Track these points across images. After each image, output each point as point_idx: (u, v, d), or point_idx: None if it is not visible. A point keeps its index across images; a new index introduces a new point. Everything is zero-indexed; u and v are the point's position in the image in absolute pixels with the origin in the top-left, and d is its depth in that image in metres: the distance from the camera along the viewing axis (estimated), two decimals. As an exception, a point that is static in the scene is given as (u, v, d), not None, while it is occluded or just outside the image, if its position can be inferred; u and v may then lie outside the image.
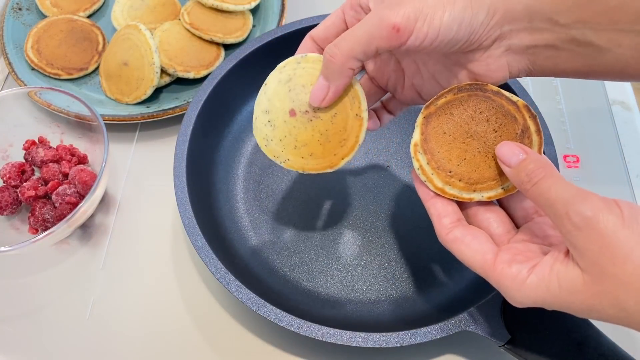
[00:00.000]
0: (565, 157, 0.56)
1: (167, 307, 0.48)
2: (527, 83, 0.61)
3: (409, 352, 0.45)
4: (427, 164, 0.35)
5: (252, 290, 0.41)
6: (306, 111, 0.36)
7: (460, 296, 0.46)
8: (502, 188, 0.34)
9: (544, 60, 0.34)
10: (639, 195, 0.54)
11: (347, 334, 0.39)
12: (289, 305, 0.45)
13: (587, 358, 0.36)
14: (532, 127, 0.34)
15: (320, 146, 0.37)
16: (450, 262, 0.49)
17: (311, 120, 0.36)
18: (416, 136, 0.35)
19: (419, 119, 0.35)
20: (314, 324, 0.40)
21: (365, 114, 0.36)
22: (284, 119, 0.37)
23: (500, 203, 0.36)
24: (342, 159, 0.37)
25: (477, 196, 0.34)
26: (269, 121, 0.37)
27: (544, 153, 0.46)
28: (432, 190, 0.35)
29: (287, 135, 0.37)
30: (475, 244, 0.32)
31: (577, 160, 0.56)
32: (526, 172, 0.31)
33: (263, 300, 0.41)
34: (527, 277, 0.30)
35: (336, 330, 0.40)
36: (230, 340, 0.46)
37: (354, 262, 0.49)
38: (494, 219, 0.35)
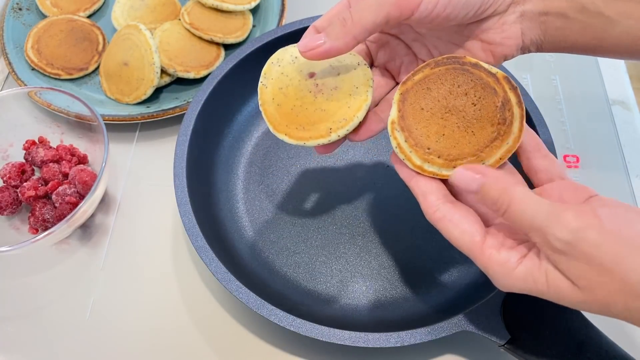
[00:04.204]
0: (565, 157, 0.56)
1: (167, 307, 0.48)
2: (527, 83, 0.61)
3: (409, 352, 0.45)
4: (405, 141, 0.34)
5: (252, 290, 0.41)
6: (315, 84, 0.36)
7: (460, 296, 0.46)
8: (483, 163, 0.33)
9: (555, 31, 0.33)
10: (639, 195, 0.54)
11: (347, 334, 0.39)
12: (289, 305, 0.45)
13: (587, 358, 0.36)
14: (513, 99, 0.33)
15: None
16: (449, 262, 0.49)
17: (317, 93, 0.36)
18: (393, 113, 0.34)
19: (396, 96, 0.35)
20: (314, 324, 0.40)
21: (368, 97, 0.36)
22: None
23: None
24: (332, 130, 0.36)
25: None
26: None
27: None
28: (411, 169, 0.34)
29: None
30: (464, 224, 0.31)
31: (577, 160, 0.56)
32: (492, 200, 0.30)
33: (263, 300, 0.41)
34: (516, 267, 0.29)
35: (336, 330, 0.40)
36: (230, 340, 0.46)
37: (354, 262, 0.49)
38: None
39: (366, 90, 0.36)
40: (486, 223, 0.33)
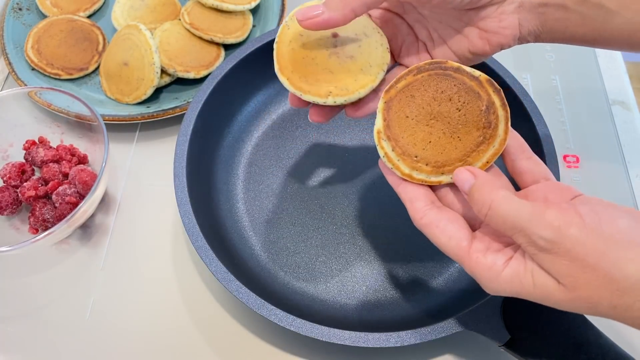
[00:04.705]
0: (565, 157, 0.56)
1: (167, 307, 0.48)
2: (527, 83, 0.61)
3: (409, 352, 0.45)
4: (392, 150, 0.34)
5: (252, 290, 0.41)
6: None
7: (460, 296, 0.46)
8: None
9: (554, 23, 0.34)
10: (639, 195, 0.54)
11: (347, 334, 0.39)
12: (289, 305, 0.45)
13: (586, 358, 0.36)
14: (497, 102, 0.33)
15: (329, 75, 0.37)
16: (450, 262, 0.49)
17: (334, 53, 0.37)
18: (378, 123, 0.35)
19: (380, 105, 0.35)
20: (314, 324, 0.40)
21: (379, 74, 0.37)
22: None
23: None
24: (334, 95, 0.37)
25: (445, 179, 0.34)
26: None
27: (544, 151, 0.47)
28: (399, 177, 0.34)
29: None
30: (450, 229, 0.32)
31: (577, 160, 0.56)
32: (474, 204, 0.30)
33: (263, 300, 0.40)
34: (503, 269, 0.29)
35: (336, 330, 0.40)
36: (230, 340, 0.46)
37: (354, 262, 0.49)
38: (465, 200, 0.34)
39: (378, 72, 0.37)
40: (473, 227, 0.33)
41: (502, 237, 0.31)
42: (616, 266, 0.26)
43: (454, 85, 0.33)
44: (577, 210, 0.27)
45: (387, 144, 0.34)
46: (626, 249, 0.26)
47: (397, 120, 0.34)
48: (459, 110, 0.33)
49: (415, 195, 0.34)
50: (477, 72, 0.33)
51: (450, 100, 0.33)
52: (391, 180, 0.35)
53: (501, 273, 0.29)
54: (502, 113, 0.33)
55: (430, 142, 0.34)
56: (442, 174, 0.34)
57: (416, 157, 0.34)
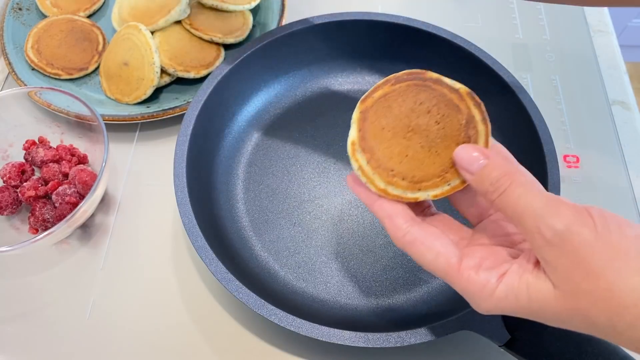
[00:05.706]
0: (565, 157, 0.56)
1: (167, 307, 0.48)
2: (527, 83, 0.61)
3: (409, 352, 0.45)
4: (367, 163, 0.33)
5: (252, 290, 0.41)
6: None
7: (461, 296, 0.46)
8: (449, 184, 0.32)
9: None
10: (639, 195, 0.54)
11: (347, 334, 0.39)
12: (289, 305, 0.45)
13: (586, 358, 0.36)
14: (478, 116, 0.31)
15: None
16: (450, 262, 0.48)
17: None
18: (353, 134, 0.33)
19: (355, 115, 0.33)
20: (314, 324, 0.40)
21: None
22: None
23: (450, 201, 0.35)
24: None
25: (422, 195, 0.32)
26: None
27: (544, 151, 0.47)
28: (373, 192, 0.33)
29: None
30: (437, 246, 0.30)
31: (577, 160, 0.56)
32: (490, 181, 0.29)
33: (263, 300, 0.40)
34: (497, 286, 0.28)
35: (336, 330, 0.40)
36: (230, 340, 0.46)
37: (354, 262, 0.49)
38: (445, 218, 0.33)
39: None
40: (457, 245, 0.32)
41: (492, 255, 0.30)
42: (620, 277, 0.25)
43: (433, 97, 0.32)
44: (590, 212, 0.26)
45: (362, 156, 0.33)
46: (634, 259, 0.25)
47: (373, 132, 0.33)
48: (438, 124, 0.32)
49: (394, 211, 0.32)
50: (457, 85, 0.32)
51: (428, 112, 0.32)
52: (365, 197, 0.33)
53: (495, 290, 0.28)
54: (482, 128, 0.31)
55: (407, 155, 0.32)
56: (419, 190, 0.32)
57: (392, 171, 0.32)
